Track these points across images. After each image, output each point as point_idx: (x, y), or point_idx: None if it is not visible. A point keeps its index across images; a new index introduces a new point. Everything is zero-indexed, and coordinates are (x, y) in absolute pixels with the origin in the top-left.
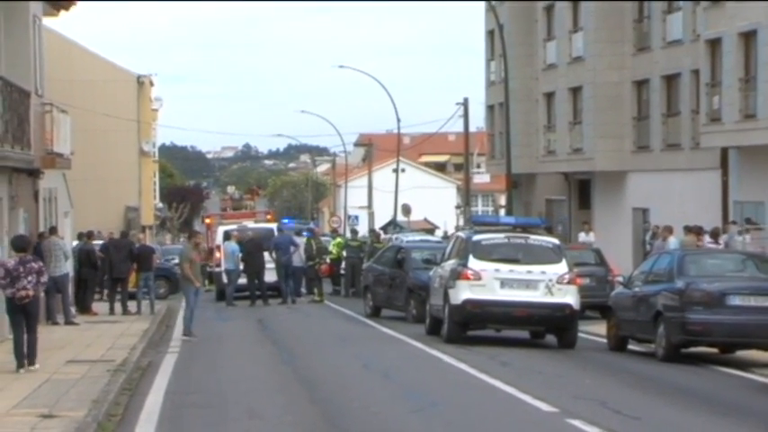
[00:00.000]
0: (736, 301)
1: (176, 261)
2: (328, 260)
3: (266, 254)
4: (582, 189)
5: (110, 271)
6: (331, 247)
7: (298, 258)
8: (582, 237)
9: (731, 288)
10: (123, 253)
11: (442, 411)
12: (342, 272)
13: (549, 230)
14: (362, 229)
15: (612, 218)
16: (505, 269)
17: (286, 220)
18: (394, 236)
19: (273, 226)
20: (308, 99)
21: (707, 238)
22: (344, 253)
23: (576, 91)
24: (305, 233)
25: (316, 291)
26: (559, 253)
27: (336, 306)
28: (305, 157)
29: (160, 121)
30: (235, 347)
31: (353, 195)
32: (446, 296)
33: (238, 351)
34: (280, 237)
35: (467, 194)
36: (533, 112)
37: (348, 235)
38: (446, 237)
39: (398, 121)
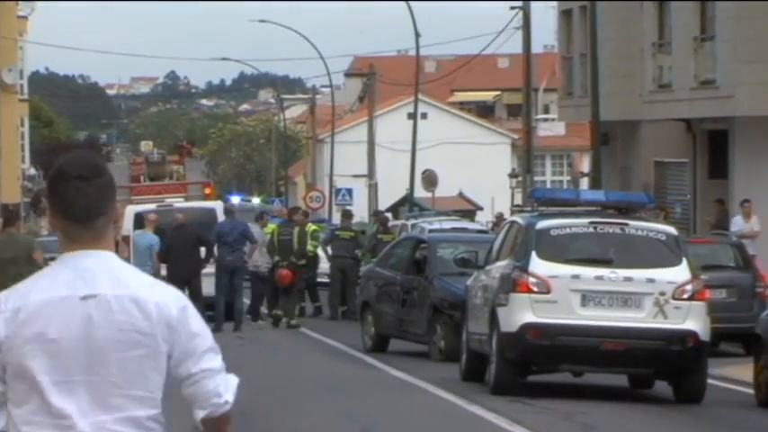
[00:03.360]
0: None
1: None
2: (303, 261)
3: (203, 250)
4: (714, 146)
5: None
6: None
7: (261, 259)
8: (737, 223)
9: None
10: None
11: None
12: (326, 279)
13: (664, 213)
14: (359, 212)
15: (764, 192)
16: (590, 275)
17: (277, 202)
18: (410, 222)
19: (215, 205)
20: (270, 3)
21: None
22: (330, 250)
23: None
24: (273, 218)
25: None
26: (678, 249)
27: (318, 335)
28: (266, 95)
29: (31, 35)
30: None
31: (345, 156)
32: (494, 319)
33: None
34: (227, 223)
35: (528, 155)
36: (636, 21)
37: (336, 221)
38: (496, 223)
39: (417, 36)
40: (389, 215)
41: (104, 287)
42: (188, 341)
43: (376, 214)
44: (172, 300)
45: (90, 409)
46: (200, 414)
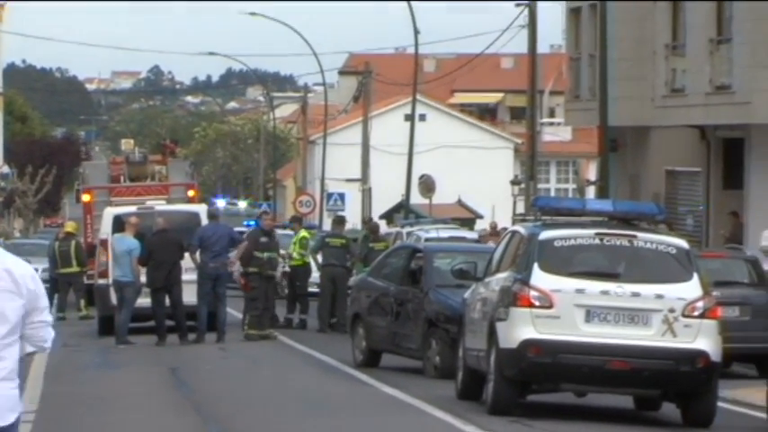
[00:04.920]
0: None
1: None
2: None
3: (186, 256)
4: (729, 154)
5: None
6: (292, 248)
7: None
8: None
9: None
10: None
11: None
12: (315, 289)
13: (667, 225)
14: (352, 218)
15: None
16: (595, 289)
17: (265, 206)
18: (405, 230)
19: (199, 208)
20: None
21: None
22: (320, 258)
23: None
24: (250, 222)
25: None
26: (689, 264)
27: (305, 348)
28: (255, 93)
29: (6, 24)
30: (130, 417)
31: (337, 159)
32: (492, 334)
33: (136, 424)
34: (210, 227)
35: (532, 161)
36: (648, 20)
37: (326, 227)
38: (495, 233)
39: (416, 33)
40: (383, 222)
41: None
42: (35, 299)
43: (368, 222)
44: (28, 272)
45: None
46: (30, 349)
